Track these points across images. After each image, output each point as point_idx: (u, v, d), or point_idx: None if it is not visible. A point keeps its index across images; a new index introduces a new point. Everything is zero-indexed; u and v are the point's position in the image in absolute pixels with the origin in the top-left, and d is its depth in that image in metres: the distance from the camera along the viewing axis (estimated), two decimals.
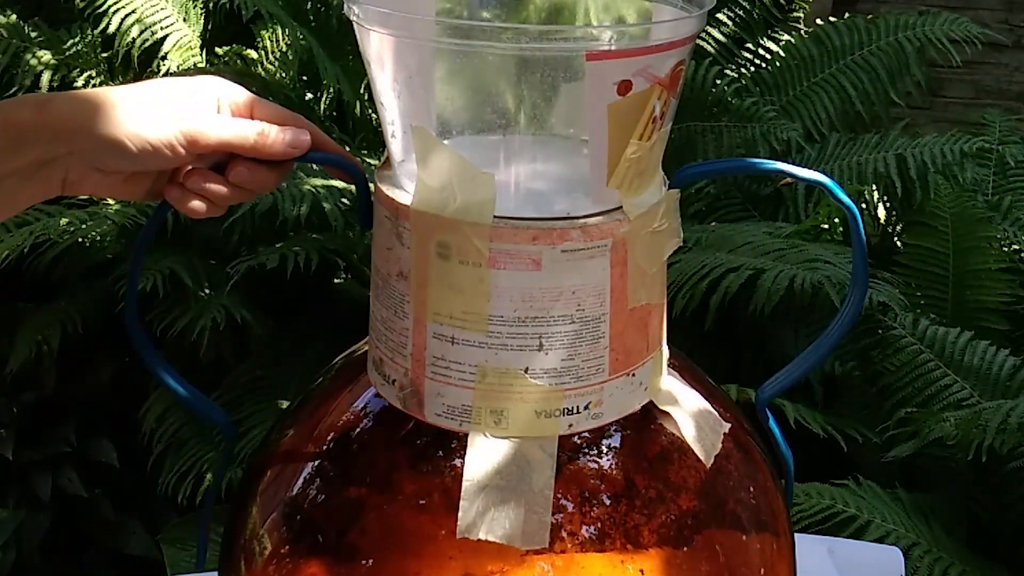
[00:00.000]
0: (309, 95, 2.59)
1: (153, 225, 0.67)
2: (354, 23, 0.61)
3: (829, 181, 0.65)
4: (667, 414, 0.65)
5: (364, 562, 0.61)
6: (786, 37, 2.87)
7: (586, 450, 0.63)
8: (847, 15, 2.90)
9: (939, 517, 1.75)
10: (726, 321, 2.08)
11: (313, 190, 2.03)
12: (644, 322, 0.63)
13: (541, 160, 0.65)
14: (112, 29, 2.47)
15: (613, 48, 0.56)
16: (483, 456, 0.60)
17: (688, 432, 0.65)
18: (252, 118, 0.63)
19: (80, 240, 2.07)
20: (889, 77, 2.66)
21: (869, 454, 1.95)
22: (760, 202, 2.53)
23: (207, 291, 2.13)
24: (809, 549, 1.03)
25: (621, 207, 0.60)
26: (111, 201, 2.29)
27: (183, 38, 2.57)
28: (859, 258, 0.68)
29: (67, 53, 2.42)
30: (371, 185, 0.65)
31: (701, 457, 0.65)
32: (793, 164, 0.67)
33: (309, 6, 2.55)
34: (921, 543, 1.63)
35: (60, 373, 2.18)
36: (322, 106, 2.57)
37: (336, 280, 2.31)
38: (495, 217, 0.57)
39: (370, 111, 2.53)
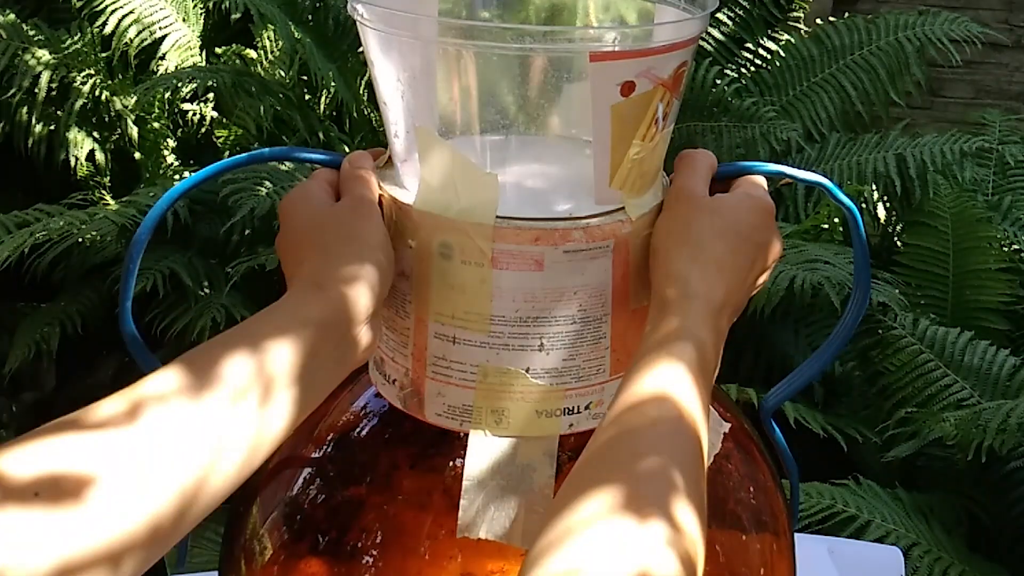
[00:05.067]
0: (308, 95, 2.59)
1: (146, 230, 0.65)
2: (358, 23, 0.60)
3: (829, 182, 0.65)
4: None
5: (364, 561, 0.61)
6: (786, 37, 2.86)
7: None
8: (847, 15, 2.90)
9: (939, 517, 1.75)
10: None
11: None
12: (646, 323, 0.62)
13: (543, 160, 0.65)
14: (109, 29, 2.46)
15: (617, 49, 0.56)
16: (483, 455, 0.60)
17: None
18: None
19: (80, 240, 2.07)
20: (889, 77, 2.66)
21: (869, 454, 1.95)
22: None
23: (207, 291, 2.13)
24: (809, 549, 1.03)
25: (623, 208, 0.60)
26: (111, 201, 2.29)
27: (182, 38, 2.57)
28: (861, 260, 0.67)
29: (66, 53, 2.42)
30: None
31: None
32: (793, 164, 0.67)
33: (307, 4, 2.55)
34: (921, 543, 1.63)
35: (60, 373, 2.18)
36: (321, 106, 2.57)
37: None
38: (498, 217, 0.57)
39: (368, 110, 2.53)
